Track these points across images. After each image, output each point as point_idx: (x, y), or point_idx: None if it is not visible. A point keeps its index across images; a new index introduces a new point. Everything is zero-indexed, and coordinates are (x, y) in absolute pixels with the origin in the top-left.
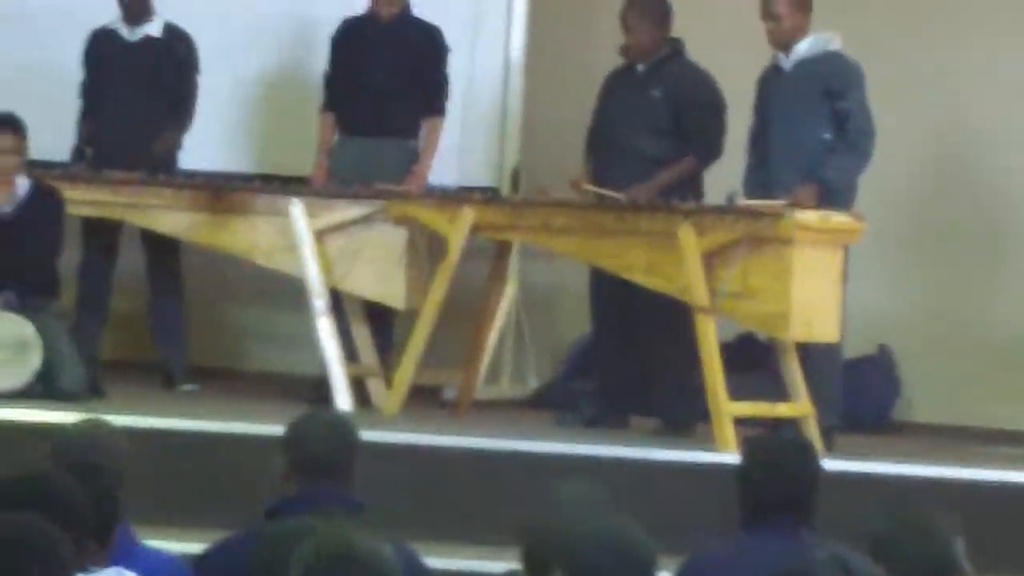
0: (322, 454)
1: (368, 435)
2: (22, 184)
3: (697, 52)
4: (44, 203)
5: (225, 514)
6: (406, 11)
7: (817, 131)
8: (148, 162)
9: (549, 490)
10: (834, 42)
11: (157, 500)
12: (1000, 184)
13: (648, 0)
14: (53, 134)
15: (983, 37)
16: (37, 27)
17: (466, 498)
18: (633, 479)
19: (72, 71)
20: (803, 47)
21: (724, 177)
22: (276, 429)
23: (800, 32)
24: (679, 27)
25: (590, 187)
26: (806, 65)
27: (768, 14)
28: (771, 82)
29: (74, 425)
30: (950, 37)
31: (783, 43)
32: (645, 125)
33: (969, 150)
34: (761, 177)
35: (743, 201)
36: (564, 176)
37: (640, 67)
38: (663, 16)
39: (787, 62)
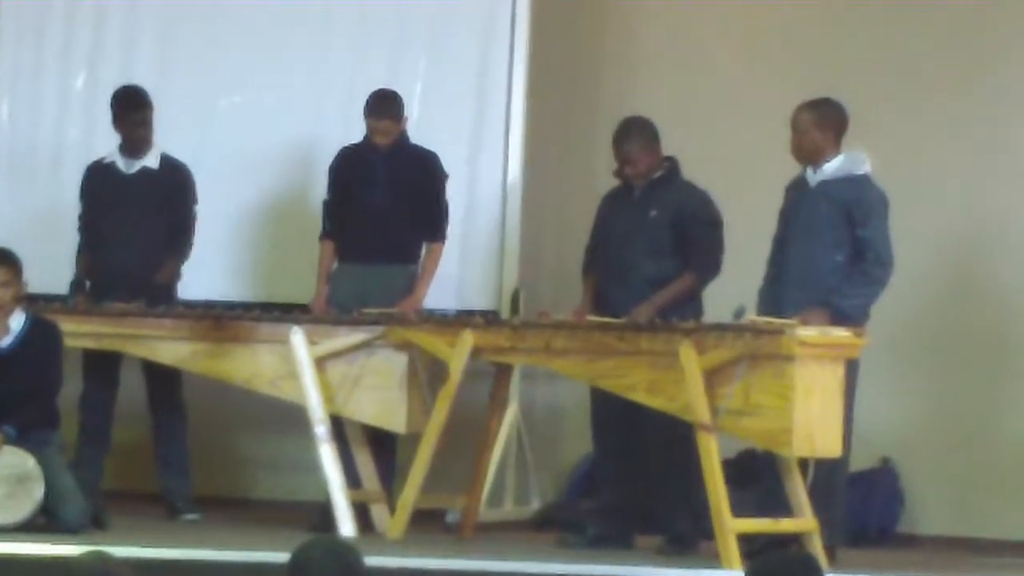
0: None
1: (372, 560)
2: (18, 318)
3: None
4: (41, 337)
5: None
6: (403, 138)
7: (833, 254)
8: (148, 293)
9: None
10: (863, 165)
11: None
12: (1003, 294)
13: (639, 126)
14: (52, 268)
15: (990, 151)
16: (34, 162)
17: None
18: None
19: (70, 205)
20: (831, 167)
21: (733, 292)
22: (280, 556)
23: (826, 150)
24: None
25: (593, 319)
26: (831, 186)
27: (793, 125)
28: (795, 194)
29: (78, 558)
30: (958, 148)
31: (804, 157)
32: (644, 245)
33: (973, 260)
34: (775, 292)
35: (751, 317)
36: (564, 297)
37: (637, 188)
38: (655, 139)
39: (813, 178)
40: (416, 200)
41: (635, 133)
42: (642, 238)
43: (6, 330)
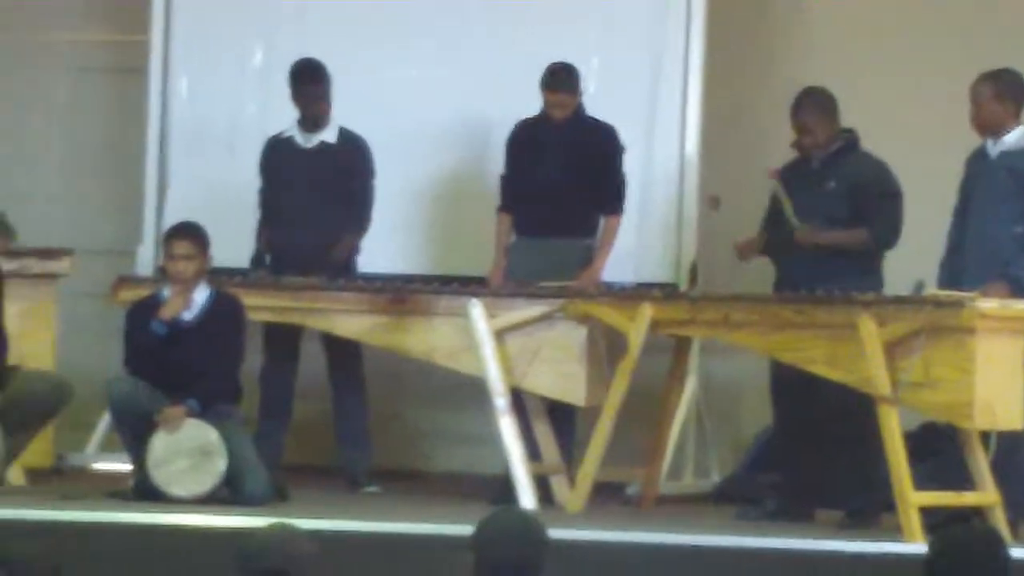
0: (511, 554)
1: (553, 533)
2: (202, 293)
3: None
4: (224, 311)
5: None
6: (580, 112)
7: (1012, 225)
8: (327, 266)
9: None
10: None
11: None
12: None
13: (817, 96)
14: (233, 242)
15: None
16: (213, 139)
17: None
18: (819, 572)
19: (248, 180)
20: (1011, 138)
21: (913, 265)
22: (460, 529)
23: (1006, 121)
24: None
25: (780, 189)
26: (1011, 157)
27: (972, 96)
28: (975, 166)
29: (262, 531)
30: None
31: (984, 128)
32: (822, 217)
33: None
34: (955, 264)
35: (930, 291)
36: (741, 270)
37: (815, 159)
38: (833, 109)
39: (993, 149)
40: (593, 173)
41: (813, 103)
42: (820, 210)
43: (189, 304)
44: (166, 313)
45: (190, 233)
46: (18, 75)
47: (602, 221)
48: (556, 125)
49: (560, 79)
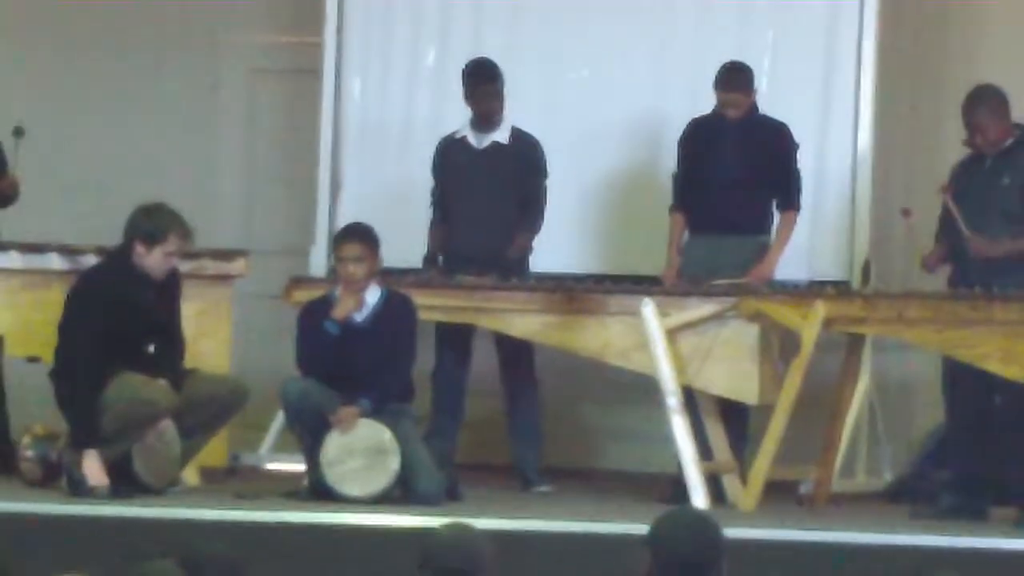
0: (689, 554)
1: (725, 532)
2: (374, 293)
3: None
4: (396, 310)
5: None
6: (753, 110)
7: None
8: (499, 266)
9: None
10: None
11: None
12: None
13: (989, 94)
14: (406, 242)
15: None
16: (385, 139)
17: None
18: (995, 571)
19: (420, 180)
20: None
21: None
22: (634, 528)
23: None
24: None
25: (951, 203)
26: None
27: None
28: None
29: (441, 530)
30: None
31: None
32: (997, 213)
33: None
34: None
35: None
36: (914, 268)
37: (988, 156)
38: (1005, 106)
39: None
40: (768, 170)
41: (985, 101)
42: (995, 206)
43: (361, 304)
44: (338, 313)
45: (359, 235)
46: (194, 76)
47: (777, 217)
48: (730, 124)
49: (734, 78)
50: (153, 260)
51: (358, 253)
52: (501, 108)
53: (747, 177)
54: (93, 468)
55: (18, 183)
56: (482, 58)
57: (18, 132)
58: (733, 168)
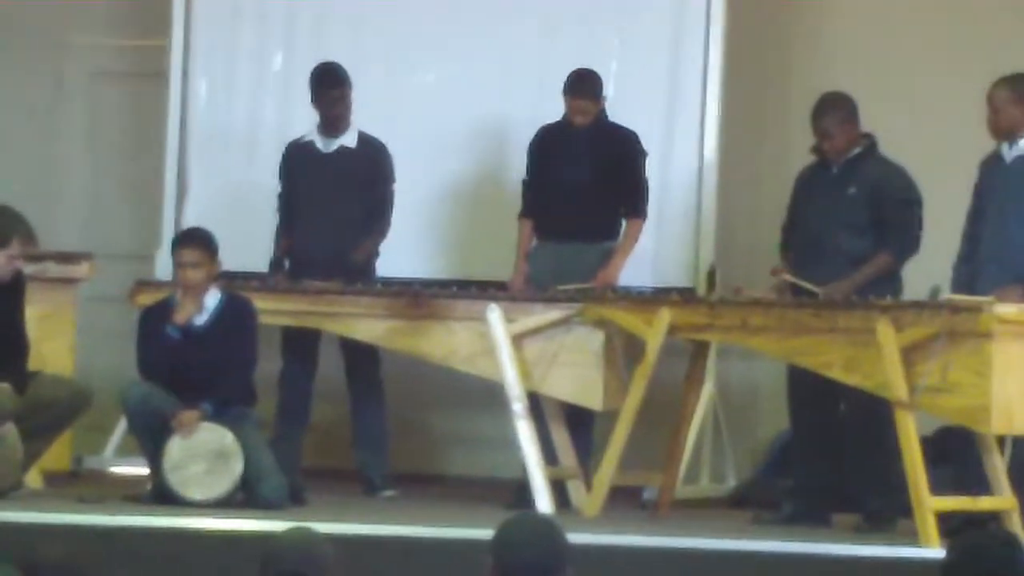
0: (532, 559)
1: (570, 537)
2: (213, 296)
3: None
4: (236, 314)
5: None
6: (602, 117)
7: None
8: (345, 270)
9: None
10: None
11: None
12: None
13: (838, 101)
14: (251, 246)
15: None
16: (231, 142)
17: None
18: None
19: (265, 184)
20: None
21: (931, 269)
22: (478, 533)
23: (1022, 126)
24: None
25: (789, 276)
26: None
27: (989, 100)
28: (990, 170)
29: (283, 534)
30: None
31: (1000, 133)
32: (842, 223)
33: None
34: (970, 269)
35: (946, 296)
36: (760, 274)
37: (835, 165)
38: (853, 114)
39: (1009, 153)
40: (616, 177)
41: (833, 108)
42: (839, 215)
43: (200, 308)
44: (179, 318)
45: (196, 240)
46: (38, 78)
47: (624, 225)
48: (578, 130)
49: (583, 85)
50: None
51: (195, 258)
52: (348, 113)
53: (595, 184)
54: None
55: None
56: (329, 63)
57: None
58: (581, 175)
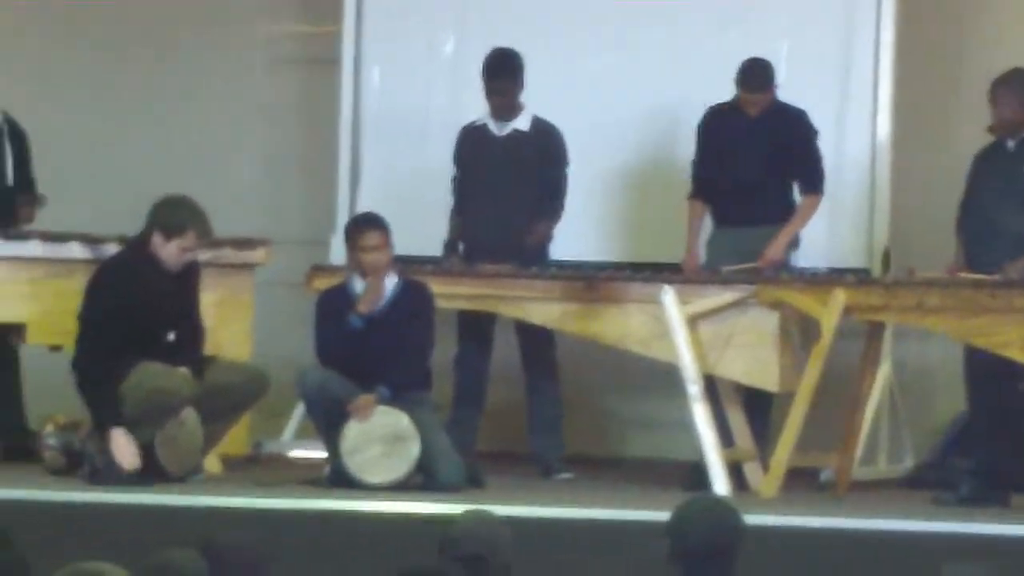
0: (708, 541)
1: (746, 519)
2: (391, 282)
3: None
4: (414, 299)
5: None
6: (775, 102)
7: None
8: (519, 254)
9: (933, 572)
10: None
11: None
12: None
13: (1014, 79)
14: (425, 230)
15: None
16: (404, 127)
17: None
18: (1016, 558)
19: (438, 169)
20: None
21: None
22: (654, 515)
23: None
24: None
25: (967, 275)
26: None
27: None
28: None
29: (460, 517)
30: None
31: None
32: (1017, 201)
33: None
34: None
35: None
36: (934, 255)
37: (1010, 144)
38: None
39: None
40: (789, 157)
41: (1009, 86)
42: (1015, 194)
43: (383, 296)
44: (363, 307)
45: (377, 223)
46: (214, 68)
47: (799, 202)
48: (747, 115)
49: (755, 79)
50: (168, 252)
51: (378, 241)
52: (517, 96)
53: (767, 167)
54: (122, 446)
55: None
56: (501, 49)
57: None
58: (753, 159)
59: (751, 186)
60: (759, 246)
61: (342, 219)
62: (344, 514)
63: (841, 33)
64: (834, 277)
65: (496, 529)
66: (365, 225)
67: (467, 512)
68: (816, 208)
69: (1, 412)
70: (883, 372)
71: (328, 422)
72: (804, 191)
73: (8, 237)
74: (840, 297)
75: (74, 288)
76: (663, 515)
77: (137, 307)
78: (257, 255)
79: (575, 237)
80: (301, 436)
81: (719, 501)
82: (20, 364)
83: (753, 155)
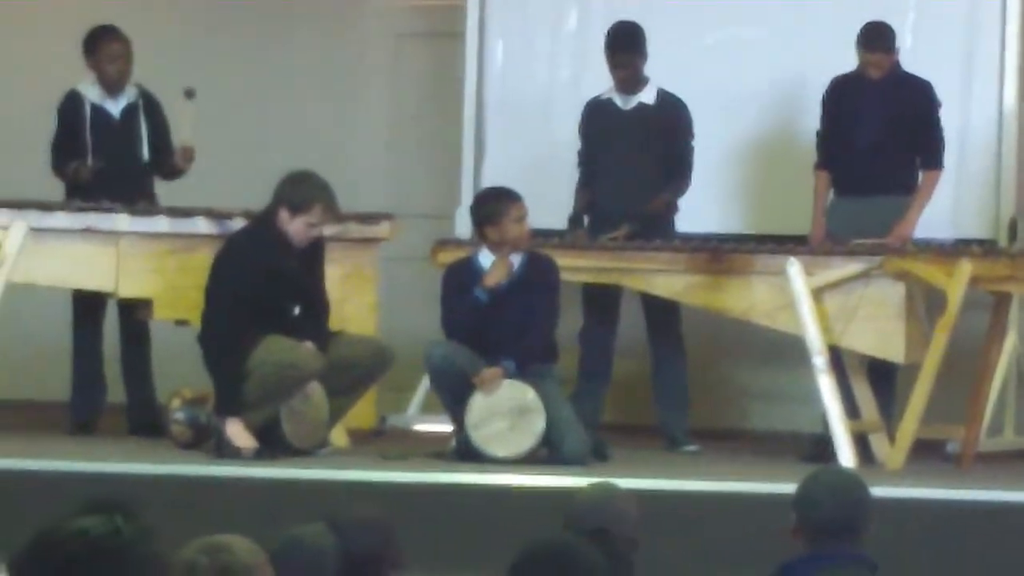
0: (835, 513)
1: (873, 491)
2: (516, 255)
3: None
4: (539, 272)
5: (736, 572)
6: (896, 68)
7: None
8: (644, 226)
9: None
10: None
11: (662, 564)
12: None
13: None
14: (550, 204)
15: None
16: (530, 102)
17: (968, 552)
18: None
19: (562, 144)
20: None
21: None
22: (779, 487)
23: None
24: None
25: None
26: None
27: None
28: None
29: (587, 490)
30: None
31: None
32: None
33: None
34: None
35: None
36: None
37: None
38: None
39: None
40: (912, 129)
41: None
42: None
43: (511, 271)
44: (491, 280)
45: (520, 196)
46: (339, 41)
47: (920, 176)
48: (872, 83)
49: (877, 39)
50: (295, 228)
51: (524, 212)
52: (641, 69)
53: (890, 136)
54: (237, 433)
55: (192, 152)
56: (625, 22)
57: (189, 94)
58: (876, 128)
59: (872, 151)
60: (879, 216)
61: (466, 193)
62: (470, 487)
63: (966, 2)
64: (960, 248)
65: (622, 502)
66: (511, 196)
67: (592, 485)
68: (937, 182)
69: (130, 387)
70: (1009, 342)
71: (454, 396)
72: (925, 165)
73: (135, 213)
74: (966, 268)
75: (200, 263)
76: (788, 487)
77: (263, 282)
78: (382, 230)
79: (700, 209)
80: (426, 410)
81: (847, 474)
82: (150, 339)
83: (874, 119)
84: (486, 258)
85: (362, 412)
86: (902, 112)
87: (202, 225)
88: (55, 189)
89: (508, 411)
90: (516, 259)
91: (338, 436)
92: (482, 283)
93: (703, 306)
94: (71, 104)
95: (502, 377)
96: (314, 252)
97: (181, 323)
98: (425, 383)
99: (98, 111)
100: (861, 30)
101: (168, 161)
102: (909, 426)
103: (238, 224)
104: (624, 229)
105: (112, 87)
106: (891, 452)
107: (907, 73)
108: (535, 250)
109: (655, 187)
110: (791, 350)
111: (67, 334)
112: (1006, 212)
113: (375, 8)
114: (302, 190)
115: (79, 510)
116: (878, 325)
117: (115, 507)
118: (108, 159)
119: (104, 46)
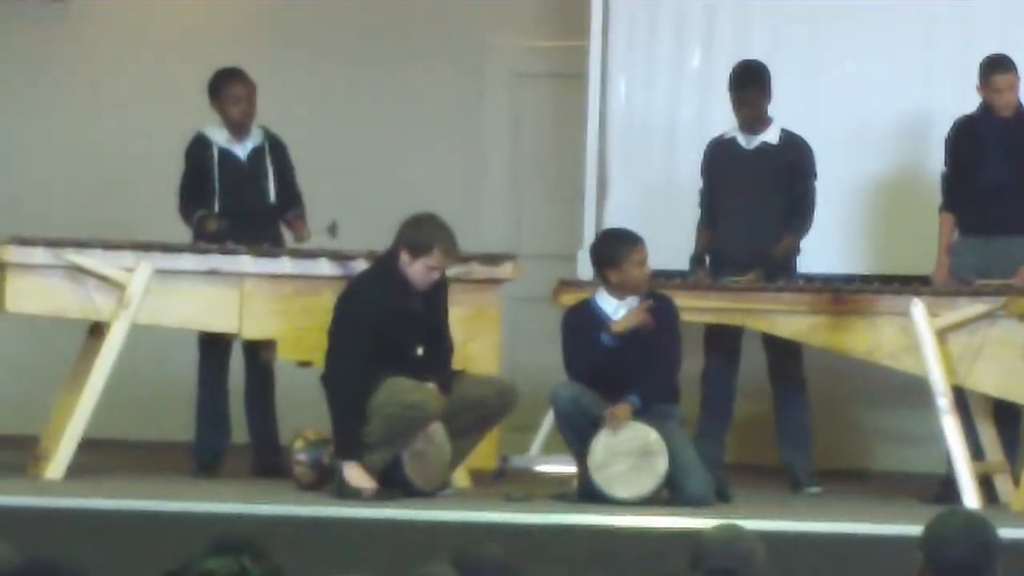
0: (963, 556)
1: (998, 533)
2: (635, 297)
3: None
4: (660, 313)
5: None
6: (1020, 109)
7: None
8: (766, 267)
9: None
10: None
11: None
12: None
13: None
14: (672, 244)
15: None
16: (650, 140)
17: None
18: None
19: (684, 181)
20: None
21: None
22: (906, 529)
23: None
24: None
25: None
26: None
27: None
28: None
29: (712, 531)
30: None
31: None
32: None
33: None
34: None
35: None
36: None
37: None
38: None
39: None
40: None
41: None
42: None
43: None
44: (620, 327)
45: (641, 239)
46: (463, 80)
47: None
48: (996, 122)
49: (999, 62)
50: (414, 271)
51: (644, 255)
52: (765, 108)
53: (1015, 177)
54: (356, 476)
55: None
56: (749, 61)
57: (332, 231)
58: (1001, 168)
59: (997, 190)
60: (1004, 257)
61: (588, 234)
62: (593, 528)
63: None
64: None
65: (748, 543)
66: (635, 240)
67: (718, 526)
68: None
69: (254, 428)
70: None
71: (579, 437)
72: None
73: (259, 255)
74: None
75: (323, 304)
76: (913, 529)
77: (386, 323)
78: (505, 270)
79: (823, 249)
80: (549, 451)
81: (975, 515)
82: (274, 380)
83: (999, 159)
84: (605, 300)
85: (484, 453)
86: None
87: (325, 267)
88: (182, 231)
89: (631, 452)
90: (634, 301)
91: (460, 477)
92: (609, 328)
93: (826, 347)
94: (199, 147)
95: (630, 413)
96: (438, 292)
97: (304, 364)
98: (548, 423)
99: (225, 154)
100: (984, 60)
101: (294, 205)
102: None
103: (361, 266)
104: (753, 274)
105: (236, 129)
106: (1016, 493)
107: None
108: (655, 290)
109: (777, 227)
110: (915, 391)
111: (192, 375)
112: None
113: (495, 49)
114: (422, 233)
115: (205, 551)
116: (1003, 366)
117: (241, 548)
118: (235, 201)
119: (228, 89)
